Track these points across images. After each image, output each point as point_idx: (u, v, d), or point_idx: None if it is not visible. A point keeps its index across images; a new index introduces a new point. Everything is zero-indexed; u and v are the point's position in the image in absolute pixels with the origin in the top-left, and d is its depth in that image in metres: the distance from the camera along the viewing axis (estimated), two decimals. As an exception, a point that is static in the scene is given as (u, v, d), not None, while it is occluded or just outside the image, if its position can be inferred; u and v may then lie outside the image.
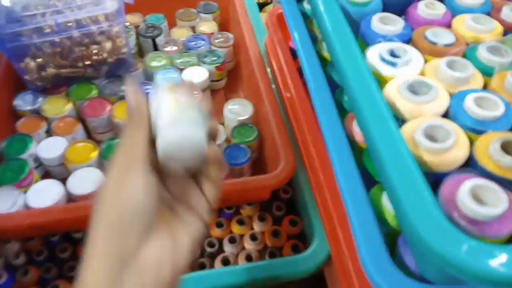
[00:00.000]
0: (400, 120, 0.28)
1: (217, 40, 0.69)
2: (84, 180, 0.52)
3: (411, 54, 0.31)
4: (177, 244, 0.28)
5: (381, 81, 0.30)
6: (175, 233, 0.28)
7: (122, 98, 0.62)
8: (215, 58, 0.67)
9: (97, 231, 0.26)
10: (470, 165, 0.26)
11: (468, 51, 0.33)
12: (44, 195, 0.50)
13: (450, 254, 0.19)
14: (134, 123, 0.28)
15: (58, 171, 0.56)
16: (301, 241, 0.52)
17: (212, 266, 0.50)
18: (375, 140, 0.24)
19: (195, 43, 0.69)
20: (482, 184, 0.23)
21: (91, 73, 0.62)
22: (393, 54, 0.31)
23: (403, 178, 0.22)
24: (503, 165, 0.24)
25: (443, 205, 0.23)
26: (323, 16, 0.32)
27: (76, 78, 0.62)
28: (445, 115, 0.28)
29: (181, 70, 0.65)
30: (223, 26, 0.77)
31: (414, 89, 0.29)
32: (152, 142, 0.28)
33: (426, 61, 0.32)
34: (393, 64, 0.30)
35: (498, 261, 0.19)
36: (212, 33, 0.71)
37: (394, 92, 0.28)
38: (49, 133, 0.58)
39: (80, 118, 0.60)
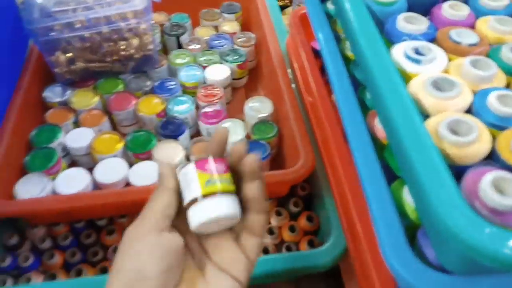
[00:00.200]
0: (424, 115, 0.29)
1: (239, 40, 0.71)
2: (109, 170, 0.54)
3: (436, 52, 0.32)
4: None
5: (405, 78, 0.31)
6: None
7: (146, 93, 0.64)
8: (237, 56, 0.68)
9: None
10: (492, 159, 0.27)
11: (492, 51, 0.33)
12: (72, 182, 0.52)
13: (473, 239, 0.20)
14: (156, 190, 0.29)
15: (85, 161, 0.58)
16: (317, 237, 0.53)
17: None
18: (400, 132, 0.25)
19: (218, 42, 0.71)
20: (504, 176, 0.24)
21: (118, 68, 0.64)
22: (417, 52, 0.32)
23: (428, 166, 0.23)
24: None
25: (465, 195, 0.23)
26: (349, 14, 0.34)
27: (104, 73, 0.64)
28: (468, 111, 0.29)
29: (204, 67, 0.67)
30: (245, 26, 0.79)
31: (438, 85, 0.29)
32: (176, 204, 0.29)
33: (449, 60, 0.33)
34: (417, 62, 0.31)
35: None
36: (234, 33, 0.73)
37: (418, 87, 0.29)
38: (76, 124, 0.61)
39: (106, 111, 0.62)
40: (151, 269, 0.26)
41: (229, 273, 0.29)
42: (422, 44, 0.32)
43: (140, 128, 0.61)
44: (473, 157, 0.26)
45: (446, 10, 0.36)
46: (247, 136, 0.59)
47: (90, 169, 0.54)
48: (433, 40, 0.35)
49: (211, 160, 0.29)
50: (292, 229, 0.54)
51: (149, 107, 0.61)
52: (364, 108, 0.39)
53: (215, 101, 0.62)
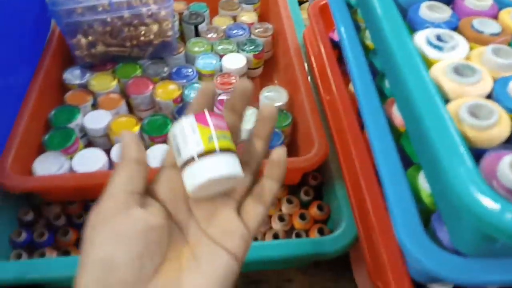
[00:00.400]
0: (444, 100, 0.29)
1: (257, 30, 0.72)
2: (126, 151, 0.55)
3: (458, 40, 0.32)
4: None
5: (427, 64, 0.31)
6: (184, 274, 0.24)
7: (164, 78, 0.65)
8: (254, 46, 0.69)
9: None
10: (511, 143, 0.27)
11: (514, 42, 0.34)
12: (89, 161, 0.54)
13: (489, 214, 0.21)
14: (117, 165, 0.26)
15: (101, 142, 0.59)
16: (327, 226, 0.54)
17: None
18: (421, 112, 0.26)
19: (235, 31, 0.72)
20: (523, 160, 0.24)
21: (136, 53, 0.65)
22: (440, 39, 0.32)
23: (448, 145, 0.24)
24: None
25: (484, 176, 0.24)
26: (373, 0, 0.34)
27: (122, 57, 0.65)
28: (488, 98, 0.30)
29: (221, 56, 0.67)
30: (263, 17, 0.79)
31: (459, 72, 0.30)
32: (142, 175, 0.25)
33: (471, 49, 0.33)
34: (439, 48, 0.32)
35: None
36: (252, 23, 0.74)
37: (439, 73, 0.30)
38: (95, 106, 0.62)
39: (124, 94, 0.63)
40: (120, 256, 0.23)
41: (224, 247, 0.25)
42: (445, 31, 0.33)
43: (156, 113, 0.62)
44: (492, 141, 0.26)
45: (470, 0, 0.36)
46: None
47: (106, 151, 0.55)
48: (455, 28, 0.35)
49: (210, 114, 0.25)
50: (302, 217, 0.54)
51: (166, 93, 0.62)
52: (382, 97, 0.40)
53: (231, 89, 0.63)
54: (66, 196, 0.55)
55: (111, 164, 0.55)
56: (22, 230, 0.52)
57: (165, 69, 0.65)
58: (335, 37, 0.58)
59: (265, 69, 0.73)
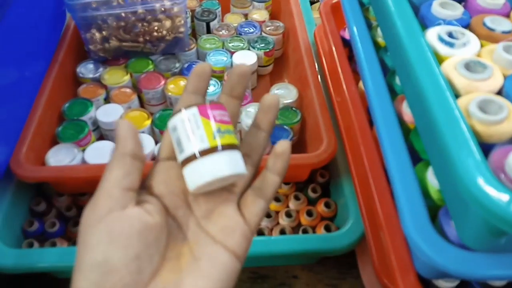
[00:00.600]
0: (454, 95, 0.30)
1: (268, 28, 0.72)
2: (137, 144, 0.55)
3: (469, 37, 0.33)
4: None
5: (438, 60, 0.32)
6: (184, 275, 0.23)
7: (175, 74, 0.66)
8: (265, 44, 0.70)
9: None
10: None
11: (525, 41, 0.34)
12: (100, 154, 0.54)
13: (496, 205, 0.21)
14: (110, 159, 0.24)
15: (113, 135, 0.60)
16: (333, 223, 0.54)
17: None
18: (431, 105, 0.26)
19: (246, 29, 0.72)
20: (532, 155, 0.24)
21: (148, 49, 0.66)
22: (451, 35, 0.33)
23: (457, 137, 0.24)
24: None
25: (492, 169, 0.24)
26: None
27: (135, 53, 0.66)
28: (498, 94, 0.30)
29: (232, 53, 0.68)
30: (274, 15, 0.80)
31: (470, 68, 0.30)
32: (137, 171, 0.24)
33: (482, 46, 0.33)
34: (450, 45, 0.32)
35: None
36: (263, 21, 0.74)
37: (450, 68, 0.30)
38: (107, 100, 0.63)
39: (136, 89, 0.64)
40: (117, 257, 0.22)
41: (224, 245, 0.24)
42: (456, 28, 0.33)
43: (167, 107, 0.63)
44: (501, 136, 0.26)
45: (482, -1, 0.36)
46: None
47: (118, 144, 0.56)
48: (467, 26, 0.35)
49: (213, 107, 0.24)
50: (309, 213, 0.55)
51: (177, 88, 0.63)
52: (392, 94, 0.40)
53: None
54: (77, 187, 0.56)
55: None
56: (34, 220, 0.53)
57: (177, 64, 0.66)
58: (346, 35, 0.59)
59: (275, 67, 0.74)
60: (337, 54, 0.53)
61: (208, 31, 0.74)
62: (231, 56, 0.67)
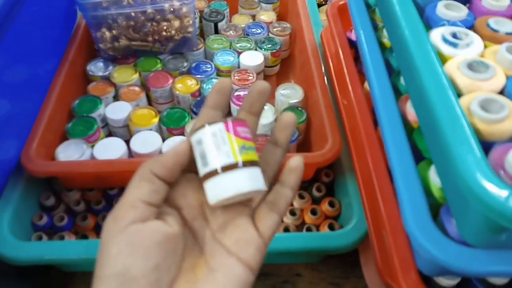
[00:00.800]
0: (457, 95, 0.30)
1: (275, 29, 0.73)
2: (145, 141, 0.57)
3: (473, 38, 0.33)
4: None
5: (441, 60, 0.32)
6: (199, 286, 0.23)
7: (183, 73, 0.66)
8: (272, 44, 0.70)
9: None
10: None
11: (529, 42, 0.34)
12: (109, 150, 0.56)
13: (496, 201, 0.21)
14: (140, 175, 0.25)
15: (122, 133, 0.61)
16: (337, 222, 0.54)
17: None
18: (434, 103, 0.27)
19: (254, 29, 0.73)
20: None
21: (157, 48, 0.67)
22: (455, 36, 0.33)
23: (458, 135, 0.24)
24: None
25: (492, 166, 0.24)
26: (391, -1, 0.35)
27: (144, 52, 0.67)
28: (500, 93, 0.30)
29: (239, 53, 0.69)
30: (281, 16, 0.81)
31: (473, 68, 0.30)
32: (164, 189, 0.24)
33: (486, 47, 0.34)
34: (454, 45, 0.32)
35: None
36: (270, 22, 0.75)
37: (453, 68, 0.30)
38: (116, 98, 0.64)
39: (144, 87, 0.65)
40: (137, 268, 0.22)
41: (239, 257, 0.24)
42: (460, 29, 0.33)
43: (174, 106, 0.64)
44: (502, 134, 0.27)
45: (486, 0, 0.37)
46: (276, 120, 0.61)
47: (126, 141, 0.57)
48: (471, 27, 0.36)
49: (237, 123, 0.25)
50: (313, 212, 0.55)
51: (185, 87, 0.64)
52: (397, 94, 0.41)
53: (248, 85, 0.64)
54: (86, 182, 0.57)
55: (130, 154, 0.57)
56: (43, 214, 0.54)
57: (185, 64, 0.67)
58: (352, 36, 0.59)
59: (281, 67, 0.75)
60: (343, 56, 0.54)
61: (216, 31, 0.75)
62: (238, 56, 0.68)
